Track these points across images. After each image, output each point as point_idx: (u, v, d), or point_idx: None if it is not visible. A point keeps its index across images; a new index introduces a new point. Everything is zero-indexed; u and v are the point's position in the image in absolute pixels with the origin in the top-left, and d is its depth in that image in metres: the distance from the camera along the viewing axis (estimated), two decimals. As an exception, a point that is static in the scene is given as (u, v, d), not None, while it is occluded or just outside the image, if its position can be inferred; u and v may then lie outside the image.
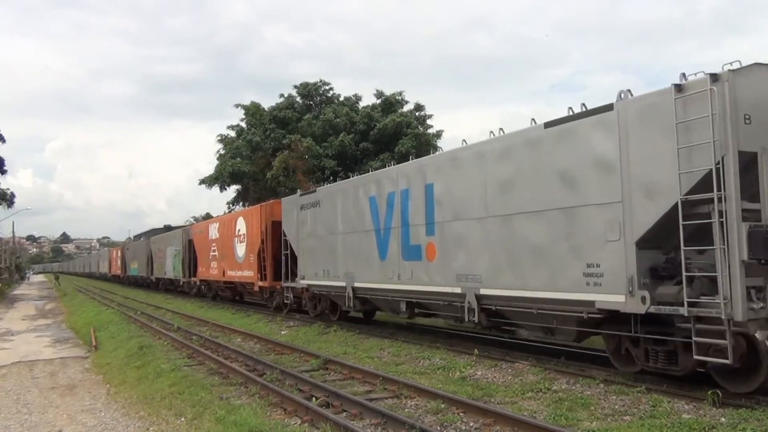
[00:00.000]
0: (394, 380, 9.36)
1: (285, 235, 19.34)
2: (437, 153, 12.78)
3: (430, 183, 12.35)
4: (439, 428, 7.18)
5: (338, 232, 16.01)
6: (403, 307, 13.68)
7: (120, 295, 38.31)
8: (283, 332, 16.73)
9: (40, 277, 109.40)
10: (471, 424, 7.26)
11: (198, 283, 30.78)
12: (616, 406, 7.65)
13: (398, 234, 13.42)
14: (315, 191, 17.77)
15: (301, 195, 18.61)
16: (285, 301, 19.71)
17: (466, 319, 11.27)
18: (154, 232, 51.02)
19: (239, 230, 24.00)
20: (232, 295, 27.39)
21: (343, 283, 15.68)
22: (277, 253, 20.31)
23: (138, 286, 48.52)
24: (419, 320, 15.43)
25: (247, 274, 22.93)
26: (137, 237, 63.90)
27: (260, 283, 21.54)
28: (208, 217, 48.16)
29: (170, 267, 36.16)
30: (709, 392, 7.43)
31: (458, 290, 11.43)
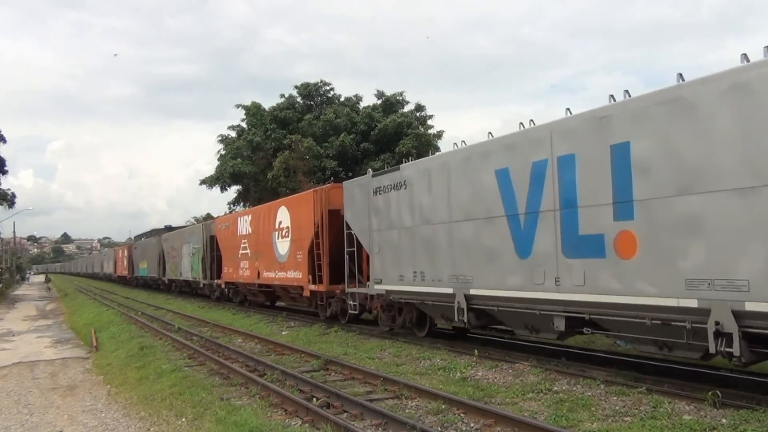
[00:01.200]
0: (395, 381, 9.36)
1: (349, 228, 15.39)
2: (629, 98, 8.53)
3: (623, 142, 8.36)
4: (439, 429, 7.17)
5: (440, 221, 11.95)
6: (559, 324, 9.62)
7: (120, 296, 38.33)
8: (283, 333, 16.74)
9: (41, 278, 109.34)
10: (472, 425, 7.26)
11: (223, 286, 26.50)
12: (617, 407, 7.65)
13: (554, 220, 9.47)
14: (398, 169, 13.57)
15: (374, 175, 14.51)
16: (351, 311, 15.76)
17: (712, 349, 7.35)
18: (155, 232, 50.92)
19: (280, 223, 19.85)
20: (266, 300, 23.54)
21: (448, 290, 11.68)
22: (335, 250, 16.61)
23: (147, 289, 44.99)
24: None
25: (292, 275, 18.72)
26: (138, 237, 63.81)
27: (312, 287, 17.43)
28: (209, 217, 47.72)
29: (187, 267, 32.01)
30: (710, 393, 7.42)
31: (691, 303, 7.52)
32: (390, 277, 13.67)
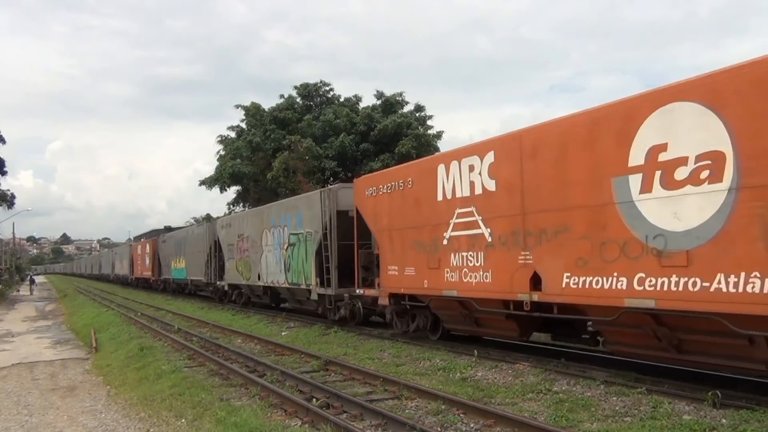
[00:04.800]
0: (395, 381, 9.36)
1: None
2: None
3: None
4: (439, 429, 7.17)
5: None
6: None
7: (120, 296, 38.31)
8: (283, 333, 16.73)
9: (40, 278, 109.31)
10: (471, 425, 7.27)
11: (386, 300, 13.92)
12: (617, 407, 7.66)
13: None
14: None
15: None
16: None
17: None
18: (155, 233, 50.85)
19: (664, 148, 7.84)
20: (522, 334, 11.17)
21: None
22: None
23: (183, 296, 34.50)
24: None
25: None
26: (138, 238, 63.50)
27: None
28: (209, 218, 47.03)
29: (274, 267, 20.19)
30: (710, 393, 7.43)
31: None
32: None
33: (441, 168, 12.01)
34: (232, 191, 41.32)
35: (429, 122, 39.08)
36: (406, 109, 38.98)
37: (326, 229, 16.50)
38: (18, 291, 53.93)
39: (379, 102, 39.34)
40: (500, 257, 10.51)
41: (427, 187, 12.35)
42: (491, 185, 10.73)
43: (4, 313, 32.98)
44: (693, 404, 7.54)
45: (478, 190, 11.01)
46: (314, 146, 34.94)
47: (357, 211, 15.10)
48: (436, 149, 35.15)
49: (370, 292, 14.71)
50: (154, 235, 48.12)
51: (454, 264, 11.63)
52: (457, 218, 11.63)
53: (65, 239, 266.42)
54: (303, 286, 18.01)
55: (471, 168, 11.13)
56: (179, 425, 8.24)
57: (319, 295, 17.08)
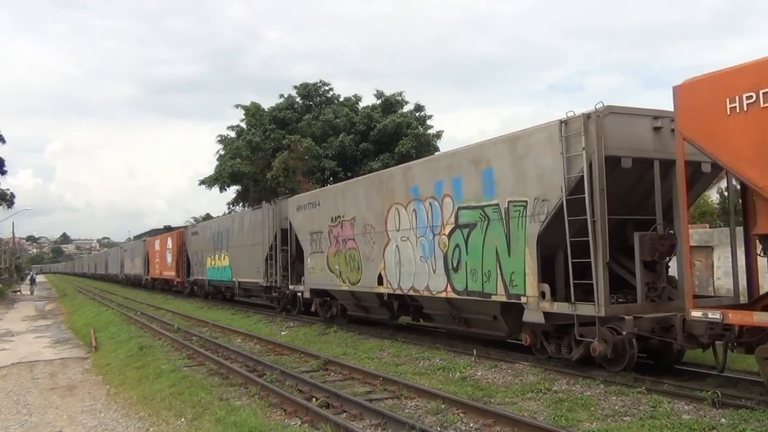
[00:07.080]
0: (394, 381, 9.37)
1: None
2: None
3: None
4: (439, 429, 7.18)
5: None
6: None
7: (120, 296, 38.29)
8: (283, 333, 16.73)
9: (40, 278, 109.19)
10: (471, 425, 7.27)
11: None
12: (616, 407, 7.66)
13: None
14: None
15: None
16: None
17: None
18: (154, 232, 50.77)
19: None
20: None
21: None
22: None
23: (224, 302, 27.90)
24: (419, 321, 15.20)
25: None
26: (137, 237, 63.21)
27: None
28: (208, 217, 47.18)
29: (409, 266, 12.96)
30: (709, 393, 7.44)
31: None
32: None
33: None
34: (231, 191, 41.35)
35: (429, 122, 39.03)
36: (406, 108, 38.93)
37: (575, 193, 9.02)
38: (20, 292, 53.63)
39: (378, 102, 39.29)
40: None
41: None
42: None
43: (3, 312, 32.97)
44: (692, 404, 7.55)
45: None
46: (314, 146, 34.92)
47: (697, 152, 7.80)
48: (436, 149, 35.11)
49: None
50: (153, 234, 47.86)
51: None
52: None
53: (65, 239, 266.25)
54: (498, 297, 10.51)
55: None
56: (179, 424, 8.24)
57: (546, 314, 9.62)
